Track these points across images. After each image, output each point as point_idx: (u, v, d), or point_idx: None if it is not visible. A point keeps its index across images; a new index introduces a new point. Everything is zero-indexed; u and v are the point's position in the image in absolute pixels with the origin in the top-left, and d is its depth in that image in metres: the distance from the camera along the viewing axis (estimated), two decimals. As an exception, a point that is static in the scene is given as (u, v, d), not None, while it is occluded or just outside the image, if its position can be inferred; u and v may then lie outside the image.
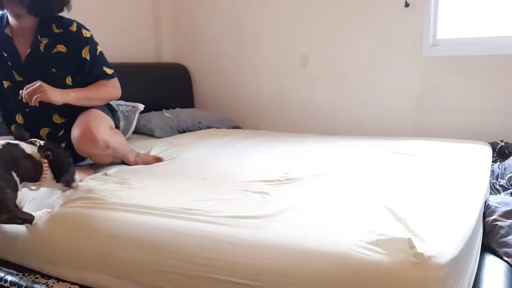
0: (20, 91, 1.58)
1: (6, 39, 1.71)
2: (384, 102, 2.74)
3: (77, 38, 1.76)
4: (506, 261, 1.28)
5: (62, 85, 1.71)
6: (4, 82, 1.72)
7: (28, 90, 1.55)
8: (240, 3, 3.13)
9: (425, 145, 2.14)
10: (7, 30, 1.71)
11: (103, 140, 1.65)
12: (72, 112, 1.74)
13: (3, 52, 1.70)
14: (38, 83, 1.56)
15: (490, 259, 1.31)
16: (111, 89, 1.83)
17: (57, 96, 1.60)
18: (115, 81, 1.87)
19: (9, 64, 1.70)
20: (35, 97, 1.53)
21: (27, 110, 1.73)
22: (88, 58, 1.77)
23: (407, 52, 2.63)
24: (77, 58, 1.76)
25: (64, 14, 1.80)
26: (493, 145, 2.26)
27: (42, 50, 1.72)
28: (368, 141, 2.31)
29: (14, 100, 1.72)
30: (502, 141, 2.30)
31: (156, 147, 2.22)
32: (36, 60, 1.72)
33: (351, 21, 2.77)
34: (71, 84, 1.77)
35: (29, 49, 1.70)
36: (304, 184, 1.50)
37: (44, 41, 1.72)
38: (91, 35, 1.82)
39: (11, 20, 1.71)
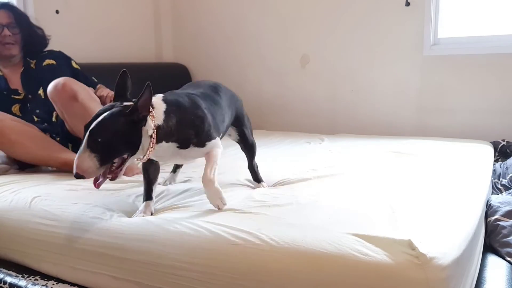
0: (103, 92, 1.92)
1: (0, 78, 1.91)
2: (385, 102, 2.73)
3: (62, 54, 2.03)
4: (508, 261, 1.27)
5: None
6: (13, 107, 1.90)
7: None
8: (241, 3, 3.12)
9: (426, 144, 2.13)
10: None
11: (71, 87, 1.67)
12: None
13: (3, 91, 1.89)
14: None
15: (492, 259, 1.30)
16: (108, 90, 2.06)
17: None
18: None
19: (12, 97, 1.90)
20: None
21: (38, 111, 1.91)
22: (79, 68, 2.04)
23: (408, 51, 2.62)
24: (69, 68, 2.00)
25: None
26: (495, 144, 2.26)
27: (33, 67, 1.94)
28: (369, 141, 2.30)
29: (27, 114, 1.90)
30: (503, 140, 2.29)
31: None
32: (30, 75, 1.93)
33: (351, 21, 2.76)
34: None
35: (22, 69, 1.92)
36: (304, 184, 1.50)
37: (33, 61, 1.96)
38: None
39: None
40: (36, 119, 1.90)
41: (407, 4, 2.56)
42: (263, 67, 3.11)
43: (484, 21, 2.49)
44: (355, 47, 2.77)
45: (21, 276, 1.24)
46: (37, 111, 1.91)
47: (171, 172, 1.59)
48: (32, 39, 1.95)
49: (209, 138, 1.24)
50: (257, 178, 1.53)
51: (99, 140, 1.05)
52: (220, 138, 1.35)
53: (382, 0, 2.64)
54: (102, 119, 1.07)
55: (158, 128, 1.14)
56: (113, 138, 1.07)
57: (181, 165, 1.61)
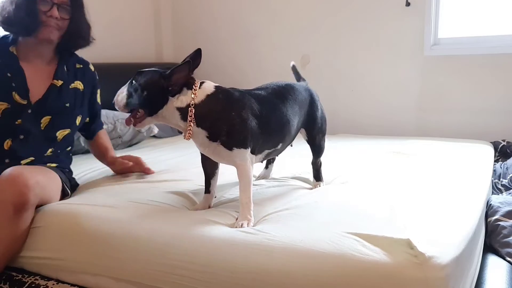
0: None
1: (13, 58, 1.49)
2: (385, 102, 2.73)
3: (94, 79, 1.67)
4: (508, 261, 1.27)
5: (71, 123, 1.58)
6: (14, 94, 1.45)
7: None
8: (241, 3, 3.12)
9: (427, 144, 2.13)
10: (12, 49, 1.49)
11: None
12: (63, 148, 1.58)
13: (7, 73, 1.47)
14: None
15: (492, 259, 1.30)
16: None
17: None
18: None
19: (13, 85, 1.46)
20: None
21: (21, 137, 1.46)
22: (100, 103, 1.69)
23: (408, 51, 2.62)
24: (91, 100, 1.66)
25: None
26: (495, 145, 2.26)
27: (61, 83, 1.56)
28: (369, 141, 2.30)
29: (7, 124, 1.45)
30: (504, 140, 2.29)
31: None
32: (54, 93, 1.53)
33: (352, 21, 2.76)
34: (77, 125, 1.61)
35: (51, 81, 1.53)
36: (303, 184, 1.50)
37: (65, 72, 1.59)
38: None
39: (23, 41, 1.50)
40: (9, 145, 1.44)
41: (408, 4, 2.56)
42: (263, 67, 3.11)
43: (484, 21, 2.49)
44: (355, 47, 2.77)
45: (21, 276, 1.24)
46: (22, 137, 1.45)
47: (264, 168, 1.59)
48: (75, 32, 1.55)
49: (239, 144, 1.17)
50: (317, 176, 1.48)
51: (133, 82, 1.18)
52: (272, 153, 1.34)
53: (382, 0, 2.64)
54: (148, 70, 1.20)
55: (194, 107, 1.16)
56: (140, 86, 1.17)
57: (273, 161, 1.58)
